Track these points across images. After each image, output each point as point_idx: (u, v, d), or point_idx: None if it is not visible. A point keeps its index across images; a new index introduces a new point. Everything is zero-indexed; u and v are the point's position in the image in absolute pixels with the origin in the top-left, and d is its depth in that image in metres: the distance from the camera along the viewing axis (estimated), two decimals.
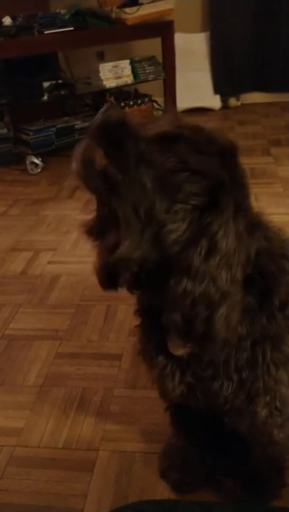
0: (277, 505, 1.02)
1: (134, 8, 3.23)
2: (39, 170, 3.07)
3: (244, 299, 0.75)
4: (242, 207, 0.72)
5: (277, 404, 0.84)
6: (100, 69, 3.32)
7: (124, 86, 3.50)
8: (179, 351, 0.81)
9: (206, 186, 0.68)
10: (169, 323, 0.74)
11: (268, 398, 0.83)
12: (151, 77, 3.53)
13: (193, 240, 0.68)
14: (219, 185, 0.69)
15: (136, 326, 0.90)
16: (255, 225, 0.77)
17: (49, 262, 2.04)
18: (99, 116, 0.68)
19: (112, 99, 3.45)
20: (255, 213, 0.81)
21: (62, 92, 3.34)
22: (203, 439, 1.06)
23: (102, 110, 0.68)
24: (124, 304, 1.68)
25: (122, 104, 3.45)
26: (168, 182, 0.67)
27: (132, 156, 0.67)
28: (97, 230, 0.78)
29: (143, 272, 0.73)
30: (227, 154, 0.72)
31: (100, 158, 0.69)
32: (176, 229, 0.68)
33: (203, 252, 0.68)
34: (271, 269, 0.79)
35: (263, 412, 0.84)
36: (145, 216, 0.68)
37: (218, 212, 0.68)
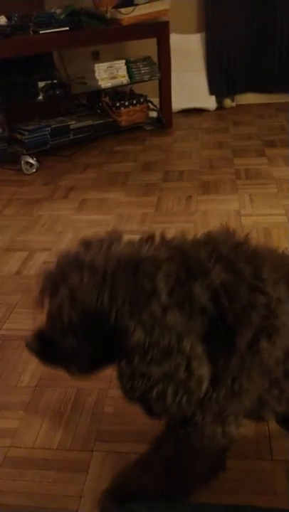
0: (270, 507, 1.02)
1: (130, 9, 3.22)
2: (34, 170, 3.06)
3: (212, 344, 0.79)
4: (153, 292, 0.76)
5: (238, 417, 0.91)
6: (96, 69, 3.31)
7: (119, 86, 3.49)
8: None
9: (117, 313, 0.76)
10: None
11: (233, 417, 0.89)
12: (146, 77, 3.53)
13: (117, 350, 0.78)
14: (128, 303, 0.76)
15: None
16: (203, 268, 0.80)
17: (44, 262, 2.04)
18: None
19: (107, 99, 3.45)
20: (211, 250, 0.84)
21: (58, 92, 3.33)
22: None
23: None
24: None
25: (118, 104, 3.45)
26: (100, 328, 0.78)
27: (65, 349, 0.82)
28: None
29: None
30: (125, 269, 0.78)
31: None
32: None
33: (124, 360, 0.77)
34: (234, 309, 0.79)
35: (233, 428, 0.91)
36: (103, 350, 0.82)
37: (123, 320, 0.76)
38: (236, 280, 0.81)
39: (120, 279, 0.76)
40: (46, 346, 0.85)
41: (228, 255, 0.84)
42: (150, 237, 0.86)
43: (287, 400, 0.93)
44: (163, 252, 0.81)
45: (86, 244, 0.84)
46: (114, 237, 0.85)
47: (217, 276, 0.79)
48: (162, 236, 0.88)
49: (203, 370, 0.77)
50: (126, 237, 0.87)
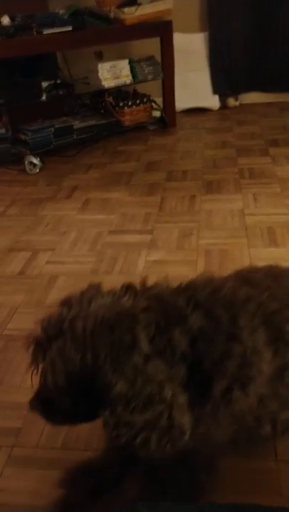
0: (274, 506, 1.02)
1: (133, 8, 3.22)
2: (37, 170, 3.07)
3: (190, 391, 0.80)
4: (131, 344, 0.79)
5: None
6: (99, 69, 3.31)
7: (122, 86, 3.49)
8: None
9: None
10: None
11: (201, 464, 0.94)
12: (150, 77, 3.53)
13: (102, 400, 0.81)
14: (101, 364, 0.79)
15: None
16: (181, 315, 0.83)
17: (47, 262, 2.04)
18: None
19: (110, 99, 3.45)
20: (197, 290, 0.87)
21: (61, 92, 3.33)
22: None
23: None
24: None
25: (121, 104, 3.45)
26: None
27: (60, 407, 0.86)
28: None
29: None
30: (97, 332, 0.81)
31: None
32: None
33: (108, 410, 0.79)
34: (210, 356, 0.81)
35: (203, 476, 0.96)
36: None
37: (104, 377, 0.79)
38: (213, 327, 0.83)
39: (100, 337, 0.79)
40: (47, 405, 0.89)
41: (206, 302, 0.86)
42: (130, 286, 0.88)
43: (258, 438, 0.95)
44: (142, 302, 0.84)
45: (67, 303, 0.89)
46: (93, 291, 0.89)
47: (195, 322, 0.82)
48: (142, 284, 0.90)
49: (185, 418, 0.78)
50: (105, 287, 0.91)
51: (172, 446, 0.79)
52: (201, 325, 0.82)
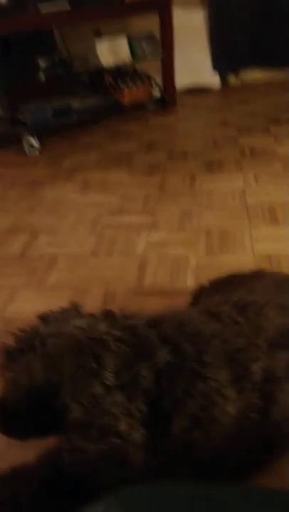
0: (276, 487, 1.02)
1: None
2: (36, 151, 3.04)
3: (148, 427, 0.79)
4: (95, 371, 0.79)
5: None
6: (97, 47, 3.26)
7: (121, 65, 3.43)
8: None
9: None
10: None
11: None
12: (149, 55, 3.47)
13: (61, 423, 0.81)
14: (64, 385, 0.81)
15: None
16: (151, 349, 0.83)
17: (47, 244, 2.03)
18: None
19: (109, 78, 3.40)
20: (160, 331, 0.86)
21: (59, 71, 3.28)
22: None
23: None
24: (123, 287, 1.67)
25: (120, 83, 3.40)
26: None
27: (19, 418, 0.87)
28: None
29: None
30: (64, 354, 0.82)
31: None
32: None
33: (64, 434, 0.79)
34: (173, 394, 0.80)
35: None
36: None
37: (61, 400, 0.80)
38: (179, 363, 0.82)
39: (67, 358, 0.80)
40: (4, 415, 0.89)
41: (173, 336, 0.86)
42: (109, 313, 0.89)
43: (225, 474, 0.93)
44: (116, 332, 0.84)
45: (45, 318, 0.90)
46: (73, 311, 0.90)
47: (162, 357, 0.82)
48: (122, 312, 0.90)
49: (139, 455, 0.78)
50: (85, 311, 0.91)
51: (122, 479, 0.78)
52: (168, 361, 0.82)
